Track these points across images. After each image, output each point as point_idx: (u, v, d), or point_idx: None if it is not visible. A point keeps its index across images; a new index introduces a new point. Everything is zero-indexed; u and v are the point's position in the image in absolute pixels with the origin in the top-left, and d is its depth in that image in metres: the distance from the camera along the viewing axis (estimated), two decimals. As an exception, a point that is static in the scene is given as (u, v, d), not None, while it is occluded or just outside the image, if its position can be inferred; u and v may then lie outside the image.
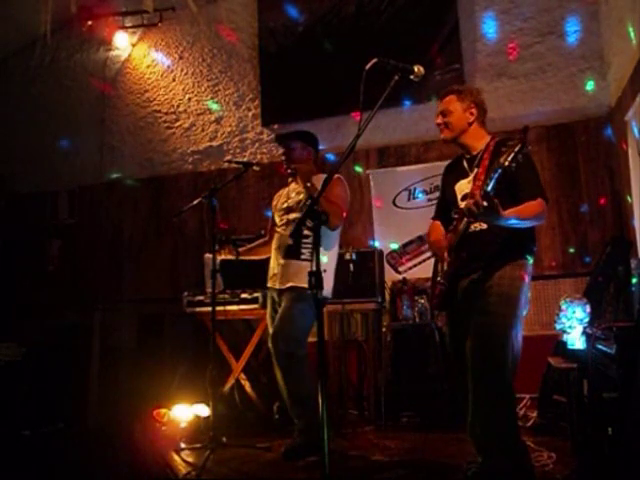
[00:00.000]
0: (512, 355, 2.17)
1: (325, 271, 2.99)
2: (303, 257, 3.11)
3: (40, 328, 4.81)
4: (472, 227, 2.26)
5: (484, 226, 2.26)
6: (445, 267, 2.36)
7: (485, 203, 1.97)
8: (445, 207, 2.53)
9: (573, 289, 4.05)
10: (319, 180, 3.13)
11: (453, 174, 2.49)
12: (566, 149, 4.48)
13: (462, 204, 2.24)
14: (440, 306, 2.43)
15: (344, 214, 3.12)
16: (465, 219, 2.19)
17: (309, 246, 3.10)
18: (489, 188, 1.98)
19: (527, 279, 2.26)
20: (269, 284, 3.29)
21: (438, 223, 2.54)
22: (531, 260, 2.31)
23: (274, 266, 3.25)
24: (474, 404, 2.20)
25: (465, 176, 2.38)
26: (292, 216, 3.23)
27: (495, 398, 2.16)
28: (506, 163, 1.94)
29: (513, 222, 2.13)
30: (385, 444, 3.34)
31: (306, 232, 3.10)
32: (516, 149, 1.95)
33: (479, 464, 2.22)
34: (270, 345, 3.06)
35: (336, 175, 3.18)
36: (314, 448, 2.84)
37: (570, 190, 4.44)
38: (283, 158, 3.28)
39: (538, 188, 2.25)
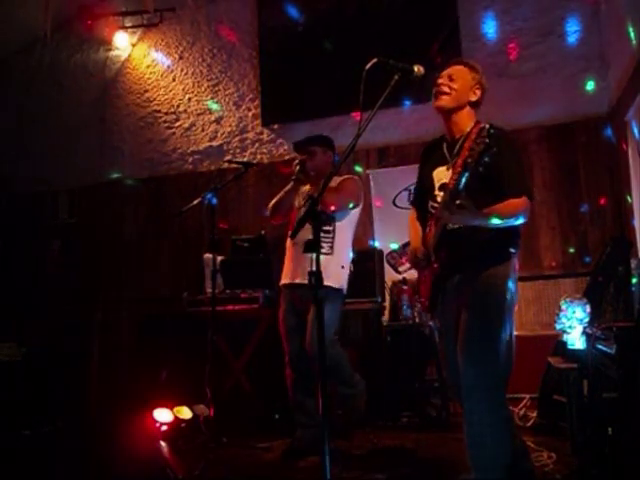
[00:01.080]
0: (503, 363, 2.06)
1: (343, 267, 3.20)
2: (323, 251, 3.13)
3: (40, 328, 4.81)
4: (450, 225, 2.13)
5: (462, 224, 2.12)
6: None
7: (457, 202, 1.88)
8: (423, 194, 2.40)
9: (573, 289, 4.05)
10: (334, 182, 3.24)
11: (432, 159, 2.32)
12: (566, 149, 4.48)
13: (439, 195, 2.12)
14: (429, 308, 2.33)
15: (345, 202, 3.18)
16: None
17: (329, 240, 3.19)
18: (460, 187, 1.88)
19: (513, 276, 2.13)
20: (285, 281, 3.29)
21: (416, 225, 2.43)
22: (516, 253, 2.17)
23: (291, 261, 3.26)
24: (466, 416, 2.09)
25: (444, 163, 2.23)
26: None
27: (487, 413, 2.02)
28: (473, 164, 1.85)
29: (492, 222, 2.02)
30: (385, 444, 3.34)
31: (325, 227, 3.19)
32: (479, 150, 1.85)
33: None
34: (308, 350, 3.10)
35: (352, 176, 3.40)
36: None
37: (570, 190, 4.44)
38: (297, 165, 3.24)
39: (523, 185, 2.08)
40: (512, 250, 2.16)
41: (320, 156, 3.30)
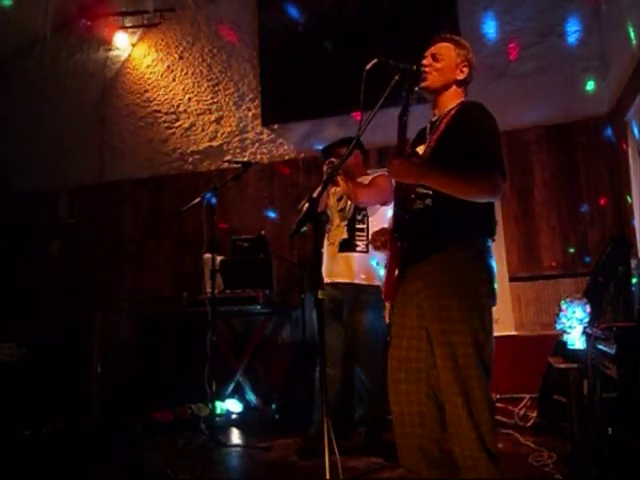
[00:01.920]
0: (487, 369, 1.90)
1: (378, 264, 3.21)
2: (358, 249, 3.22)
3: (40, 328, 4.81)
4: (416, 204, 1.98)
5: (428, 202, 1.97)
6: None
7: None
8: None
9: (573, 289, 4.05)
10: (366, 180, 3.32)
11: (417, 139, 2.21)
12: (566, 149, 4.48)
13: None
14: (390, 296, 2.08)
15: (375, 198, 3.22)
16: (398, 192, 1.98)
17: (364, 239, 3.23)
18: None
19: (490, 267, 1.95)
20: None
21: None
22: (490, 243, 2.00)
23: (329, 261, 3.29)
24: (451, 429, 1.92)
25: (425, 141, 2.13)
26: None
27: (469, 418, 1.87)
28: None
29: (452, 183, 1.89)
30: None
31: (359, 225, 3.25)
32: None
33: None
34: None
35: (384, 172, 3.32)
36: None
37: (570, 190, 4.44)
38: (328, 167, 3.24)
39: (496, 159, 1.93)
40: (484, 238, 1.99)
41: (350, 157, 3.32)
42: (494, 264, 1.98)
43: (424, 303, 1.96)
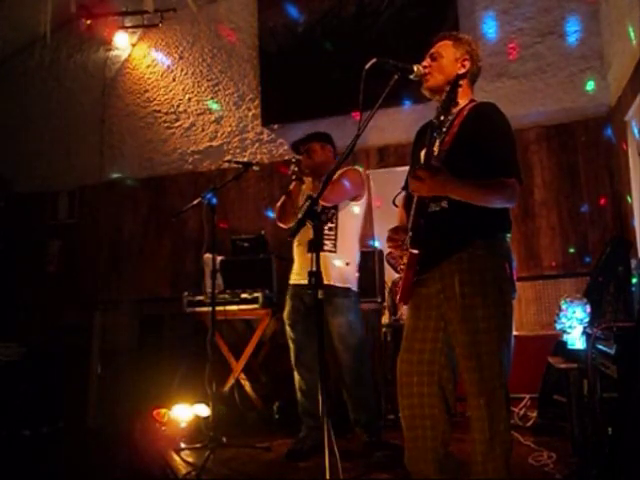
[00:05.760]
0: (507, 366, 1.91)
1: (348, 264, 3.16)
2: (326, 249, 3.14)
3: (40, 328, 4.81)
4: (431, 207, 1.96)
5: (444, 205, 1.95)
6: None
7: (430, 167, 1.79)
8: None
9: (573, 289, 4.05)
10: (336, 176, 3.20)
11: (423, 139, 2.11)
12: (566, 149, 4.48)
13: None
14: (405, 299, 2.06)
15: (341, 192, 3.13)
16: (415, 196, 1.93)
17: (332, 238, 3.17)
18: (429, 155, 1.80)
19: (511, 262, 1.95)
20: (293, 281, 3.30)
21: (403, 210, 2.29)
22: (508, 238, 1.99)
23: (300, 262, 3.26)
24: (472, 422, 1.92)
25: (430, 141, 2.03)
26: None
27: (492, 419, 1.87)
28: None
29: (473, 195, 1.86)
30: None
31: (327, 224, 3.18)
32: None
33: None
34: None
35: (353, 167, 3.35)
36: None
37: (570, 190, 4.44)
38: (293, 165, 3.21)
39: (515, 166, 1.92)
40: (504, 234, 1.99)
41: (320, 152, 3.30)
42: (514, 258, 1.98)
43: (444, 304, 1.94)
